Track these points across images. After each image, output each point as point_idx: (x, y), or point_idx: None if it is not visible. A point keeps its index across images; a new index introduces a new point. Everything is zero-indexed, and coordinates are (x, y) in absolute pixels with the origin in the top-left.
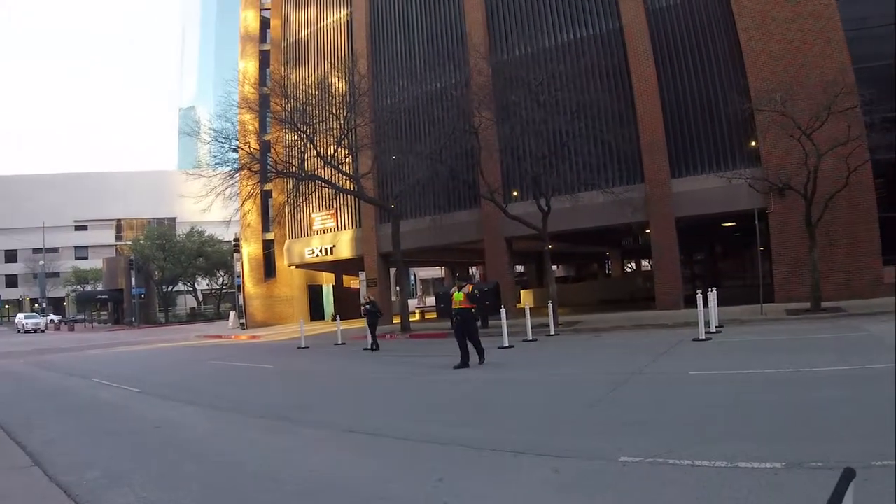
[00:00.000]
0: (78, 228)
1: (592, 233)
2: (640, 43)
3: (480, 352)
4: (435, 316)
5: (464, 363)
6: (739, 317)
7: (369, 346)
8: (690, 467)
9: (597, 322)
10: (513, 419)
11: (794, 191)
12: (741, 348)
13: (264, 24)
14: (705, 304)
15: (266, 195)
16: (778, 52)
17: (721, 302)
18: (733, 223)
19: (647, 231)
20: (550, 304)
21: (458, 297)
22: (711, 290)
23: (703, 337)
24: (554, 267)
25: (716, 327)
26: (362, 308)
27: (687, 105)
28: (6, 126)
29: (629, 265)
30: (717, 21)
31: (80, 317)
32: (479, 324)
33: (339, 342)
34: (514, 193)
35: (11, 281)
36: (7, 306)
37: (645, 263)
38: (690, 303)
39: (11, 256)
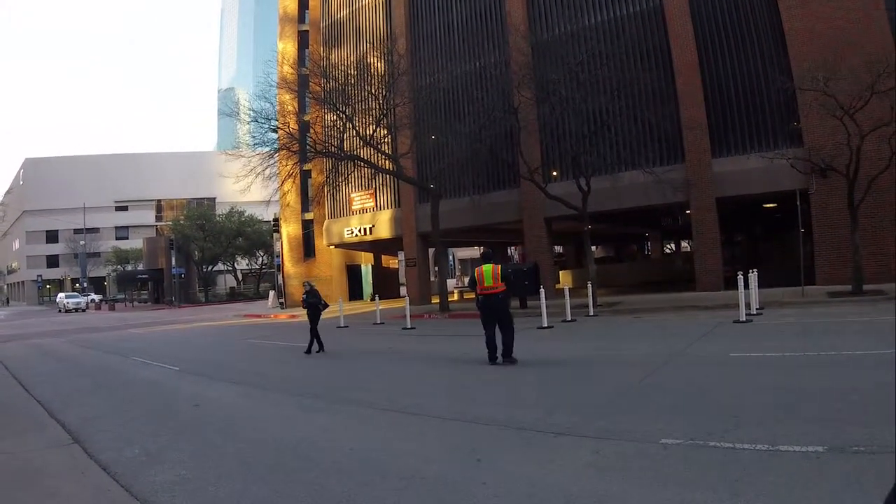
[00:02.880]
0: (118, 209)
1: (632, 213)
2: (681, 21)
3: (509, 346)
4: (473, 296)
5: (493, 358)
6: (780, 299)
7: (307, 349)
8: (731, 450)
9: (636, 303)
10: (552, 400)
11: (836, 172)
12: (782, 330)
13: (303, 4)
14: (746, 286)
15: (305, 175)
16: (820, 31)
17: (762, 284)
18: (774, 204)
19: (688, 212)
20: (590, 285)
21: (487, 270)
22: (752, 272)
23: (744, 319)
24: (593, 248)
25: (756, 309)
26: (302, 298)
27: (728, 84)
28: (45, 110)
29: (669, 246)
30: None
31: (121, 296)
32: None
33: (378, 322)
34: (554, 173)
35: (53, 261)
36: (48, 286)
37: (685, 244)
38: (731, 285)
39: (53, 237)
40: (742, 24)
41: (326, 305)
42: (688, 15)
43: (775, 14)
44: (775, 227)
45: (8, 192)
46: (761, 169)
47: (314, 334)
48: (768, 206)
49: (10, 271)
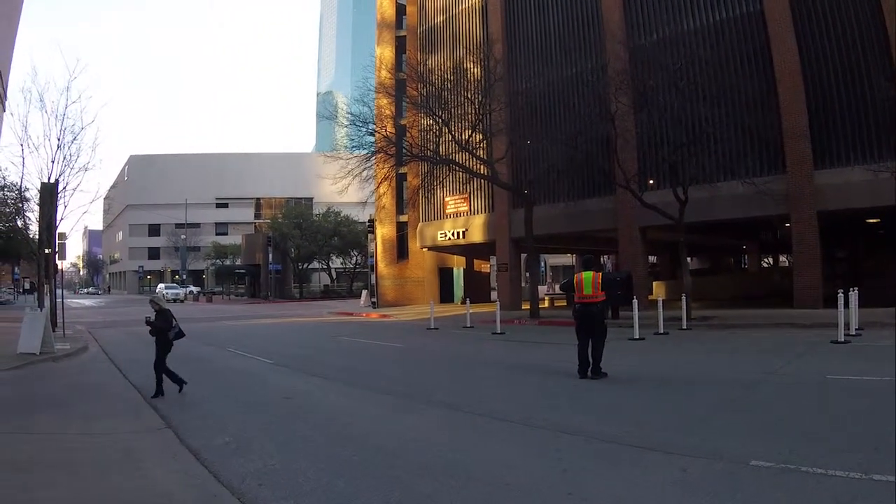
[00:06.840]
0: (219, 206)
1: (729, 225)
2: (782, 25)
3: (598, 358)
4: (564, 304)
5: (584, 372)
6: (881, 319)
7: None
8: (823, 476)
9: (731, 318)
10: (641, 414)
11: None
12: (881, 354)
13: (400, 10)
14: (846, 305)
15: (401, 178)
16: None
17: (862, 303)
18: (877, 219)
19: (787, 224)
20: (684, 298)
21: (587, 277)
22: (853, 290)
23: (842, 340)
24: (688, 259)
25: (856, 330)
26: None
27: (831, 91)
28: (150, 110)
29: (766, 260)
30: (861, 2)
31: (218, 289)
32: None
33: (468, 325)
34: (651, 182)
35: (154, 253)
36: (149, 277)
37: (783, 259)
38: (830, 303)
39: (155, 230)
40: (846, 29)
41: (181, 334)
42: (789, 19)
43: (879, 17)
44: (878, 243)
45: (113, 187)
46: (865, 182)
47: (161, 369)
48: (871, 220)
49: (113, 261)
